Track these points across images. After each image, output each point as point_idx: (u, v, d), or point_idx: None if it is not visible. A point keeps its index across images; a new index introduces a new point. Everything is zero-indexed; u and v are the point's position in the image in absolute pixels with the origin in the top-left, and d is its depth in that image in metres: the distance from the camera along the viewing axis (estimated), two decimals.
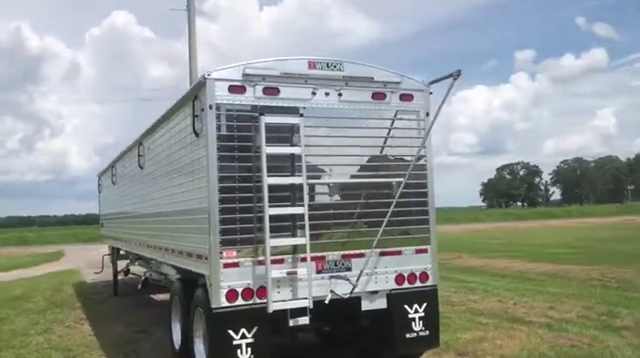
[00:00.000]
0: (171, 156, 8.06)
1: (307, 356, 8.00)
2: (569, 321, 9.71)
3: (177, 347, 7.88)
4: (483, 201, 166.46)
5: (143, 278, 11.80)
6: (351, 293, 6.67)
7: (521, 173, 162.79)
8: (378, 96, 7.15)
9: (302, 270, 6.49)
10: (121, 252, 15.18)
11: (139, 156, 10.40)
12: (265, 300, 6.31)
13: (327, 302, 6.49)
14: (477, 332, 9.06)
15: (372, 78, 7.11)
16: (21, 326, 11.78)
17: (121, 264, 15.59)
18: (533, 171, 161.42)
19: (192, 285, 7.16)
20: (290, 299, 6.47)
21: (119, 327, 10.99)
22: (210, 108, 6.33)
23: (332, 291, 6.56)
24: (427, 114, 7.38)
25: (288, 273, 6.43)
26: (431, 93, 7.41)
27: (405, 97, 7.30)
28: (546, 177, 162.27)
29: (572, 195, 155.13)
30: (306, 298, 6.46)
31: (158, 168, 9.03)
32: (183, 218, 7.50)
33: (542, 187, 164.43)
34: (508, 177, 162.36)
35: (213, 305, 6.25)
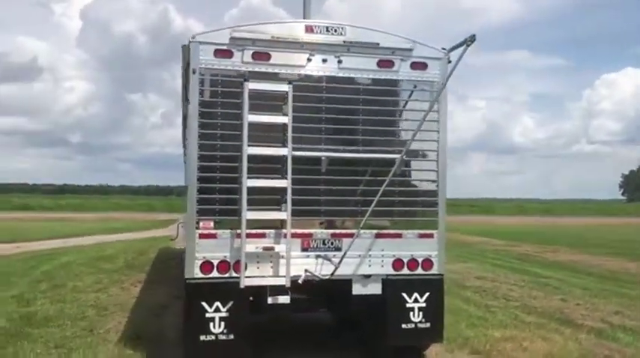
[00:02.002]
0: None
1: (304, 342, 7.61)
2: (627, 329, 8.50)
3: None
4: (623, 194, 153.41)
5: None
6: (332, 274, 6.20)
7: None
8: (385, 63, 6.54)
9: (281, 247, 6.13)
10: None
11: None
12: (245, 274, 6.04)
13: (300, 282, 6.10)
14: (511, 331, 8.20)
15: (378, 44, 6.50)
16: (85, 284, 12.53)
17: None
18: None
19: None
20: (267, 276, 6.15)
21: (163, 292, 11.30)
22: (194, 72, 6.10)
23: (306, 271, 6.15)
24: (444, 87, 6.63)
25: (265, 249, 6.10)
26: (449, 61, 6.64)
27: (418, 66, 6.62)
28: None
29: None
30: (284, 276, 6.12)
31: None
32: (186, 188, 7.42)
33: None
34: None
35: (187, 276, 6.10)
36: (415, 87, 6.64)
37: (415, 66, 6.60)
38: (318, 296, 6.75)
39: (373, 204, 6.19)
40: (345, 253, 6.23)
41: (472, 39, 6.09)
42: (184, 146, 14.92)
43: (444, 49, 6.71)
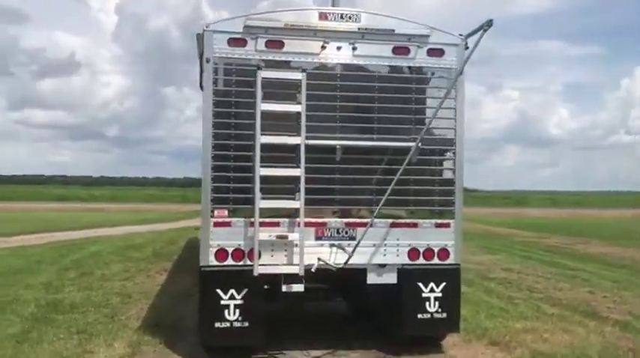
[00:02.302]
0: None
1: (319, 331, 7.58)
2: None
3: None
4: None
5: None
6: (345, 263, 6.18)
7: None
8: (400, 50, 6.46)
9: (294, 235, 6.13)
10: None
11: None
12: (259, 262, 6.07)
13: (313, 270, 6.09)
14: (533, 323, 8.06)
15: (394, 30, 6.42)
16: (113, 272, 12.76)
17: None
18: None
19: None
20: (281, 264, 6.16)
21: (188, 280, 11.38)
22: (207, 61, 6.13)
23: (319, 259, 6.13)
24: (461, 73, 6.52)
25: (278, 237, 6.11)
26: (467, 47, 6.51)
27: (434, 53, 6.52)
28: None
29: None
30: (298, 264, 6.12)
31: None
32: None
33: None
34: None
35: (202, 263, 6.17)
36: (432, 74, 6.55)
37: (432, 52, 6.51)
38: (333, 285, 6.75)
39: (387, 193, 6.14)
40: (358, 242, 6.19)
41: (489, 24, 6.02)
42: None
43: (461, 34, 6.59)
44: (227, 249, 6.13)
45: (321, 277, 6.33)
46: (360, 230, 6.30)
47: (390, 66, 6.45)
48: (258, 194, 6.01)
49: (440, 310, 6.46)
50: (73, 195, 72.10)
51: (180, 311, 8.68)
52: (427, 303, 6.44)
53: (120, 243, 18.91)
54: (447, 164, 6.56)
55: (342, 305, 7.61)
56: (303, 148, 6.10)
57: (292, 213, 6.19)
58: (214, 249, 6.12)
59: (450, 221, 6.54)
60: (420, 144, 6.29)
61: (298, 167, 6.11)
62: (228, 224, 6.15)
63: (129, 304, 9.27)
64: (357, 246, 6.18)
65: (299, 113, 6.12)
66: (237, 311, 6.11)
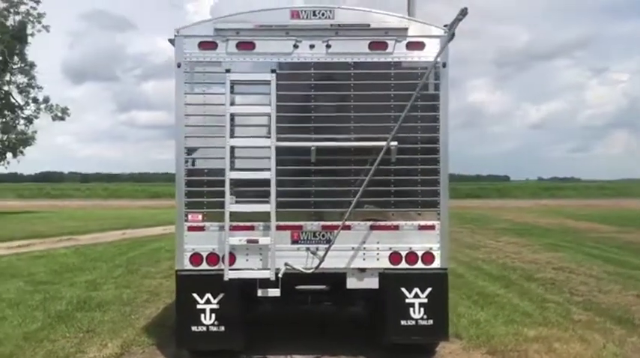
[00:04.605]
0: None
1: (307, 335, 7.44)
2: None
3: None
4: None
5: None
6: (317, 268, 6.00)
7: None
8: (377, 46, 6.18)
9: (266, 239, 6.04)
10: None
11: None
12: (232, 267, 6.06)
13: (280, 275, 5.96)
14: (550, 330, 7.48)
15: (369, 25, 6.16)
16: (158, 270, 13.18)
17: None
18: None
19: None
20: (255, 269, 6.09)
21: None
22: (179, 66, 6.17)
23: (286, 264, 6.00)
24: (444, 66, 6.15)
25: (249, 241, 6.04)
26: (453, 36, 6.11)
27: (414, 46, 6.19)
28: None
29: None
30: (269, 269, 6.02)
31: None
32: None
33: None
34: None
35: (177, 267, 6.24)
36: (412, 69, 6.21)
37: (411, 46, 6.18)
38: (316, 290, 6.59)
39: (358, 194, 5.93)
40: (330, 246, 6.00)
41: (463, 13, 5.70)
42: None
43: (445, 25, 6.20)
44: (201, 253, 6.15)
45: (301, 282, 6.23)
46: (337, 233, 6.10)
47: (366, 62, 6.19)
48: (228, 198, 5.97)
49: (425, 316, 6.14)
50: (166, 192, 75.53)
51: None
52: (411, 309, 6.14)
53: None
54: (429, 163, 6.19)
55: (330, 309, 7.41)
56: (274, 150, 5.98)
57: (267, 217, 6.10)
58: (189, 254, 6.16)
59: (435, 223, 6.19)
60: (396, 144, 6.01)
61: (269, 170, 6.00)
62: (201, 228, 6.16)
63: (152, 302, 9.53)
64: (328, 249, 5.99)
65: (269, 114, 6.02)
66: (214, 315, 6.12)
